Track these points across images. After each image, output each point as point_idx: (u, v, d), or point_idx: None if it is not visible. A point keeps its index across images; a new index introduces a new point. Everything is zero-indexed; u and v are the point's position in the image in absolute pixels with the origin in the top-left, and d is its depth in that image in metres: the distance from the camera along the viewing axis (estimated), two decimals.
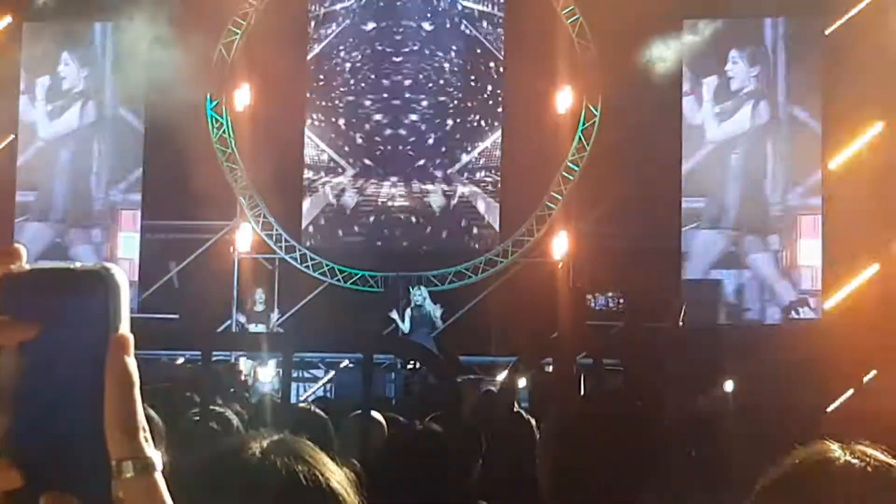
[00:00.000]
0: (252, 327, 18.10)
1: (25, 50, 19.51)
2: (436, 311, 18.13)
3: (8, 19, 19.46)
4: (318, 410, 5.62)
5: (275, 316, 18.45)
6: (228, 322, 18.56)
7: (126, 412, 1.16)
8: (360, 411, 5.69)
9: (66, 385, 1.15)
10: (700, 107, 18.56)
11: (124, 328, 1.17)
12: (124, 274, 1.19)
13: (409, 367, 15.89)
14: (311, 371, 17.88)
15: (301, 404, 5.74)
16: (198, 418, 5.41)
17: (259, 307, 18.23)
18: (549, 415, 5.08)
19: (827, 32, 17.90)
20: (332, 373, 17.49)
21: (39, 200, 19.57)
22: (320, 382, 17.72)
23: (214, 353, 6.35)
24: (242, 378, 15.29)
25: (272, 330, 18.07)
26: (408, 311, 17.88)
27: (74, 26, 19.53)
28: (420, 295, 18.00)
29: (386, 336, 17.10)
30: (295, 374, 14.92)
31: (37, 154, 19.62)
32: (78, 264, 1.18)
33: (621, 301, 18.12)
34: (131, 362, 1.17)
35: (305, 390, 17.50)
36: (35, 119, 19.67)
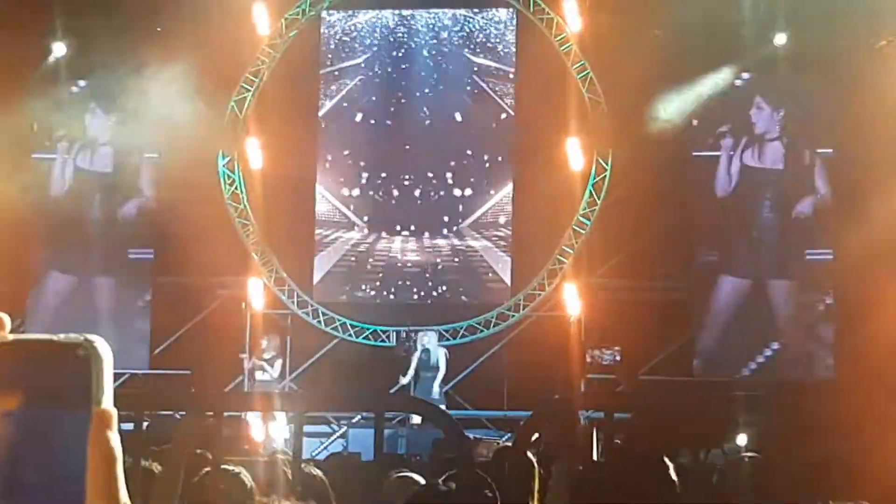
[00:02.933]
0: (259, 374, 18.09)
1: (37, 106, 19.59)
2: (440, 356, 18.08)
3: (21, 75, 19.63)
4: (316, 471, 5.60)
5: (280, 362, 18.42)
6: (240, 377, 18.55)
7: (109, 489, 1.13)
8: (398, 472, 5.69)
9: (47, 460, 1.11)
10: (726, 157, 18.50)
11: (107, 402, 1.14)
12: (107, 346, 1.15)
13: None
14: (323, 426, 17.85)
15: (305, 467, 5.68)
16: (210, 476, 5.40)
17: (267, 354, 18.28)
18: (556, 470, 5.10)
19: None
20: (343, 428, 17.48)
21: (60, 253, 19.60)
22: (332, 437, 17.70)
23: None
24: (252, 434, 15.24)
25: (282, 386, 18.10)
26: (415, 356, 17.88)
27: (86, 82, 19.64)
28: (428, 339, 18.05)
29: (396, 394, 17.11)
30: (307, 430, 14.90)
31: (54, 207, 19.66)
32: (61, 336, 1.14)
33: (617, 356, 18.08)
34: (115, 437, 1.14)
35: (318, 445, 17.46)
36: (48, 172, 19.77)
